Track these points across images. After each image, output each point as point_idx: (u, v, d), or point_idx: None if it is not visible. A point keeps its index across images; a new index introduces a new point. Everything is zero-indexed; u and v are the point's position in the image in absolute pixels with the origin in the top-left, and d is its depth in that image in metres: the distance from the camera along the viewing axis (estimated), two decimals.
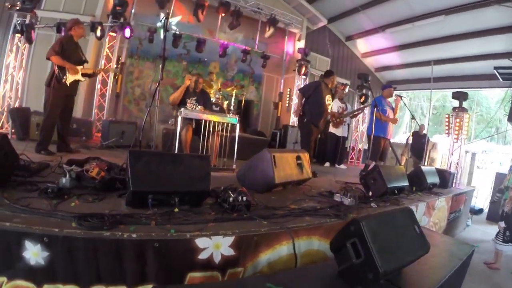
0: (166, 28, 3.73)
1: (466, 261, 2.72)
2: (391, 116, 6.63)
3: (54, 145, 5.16)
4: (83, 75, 4.70)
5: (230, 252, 2.06)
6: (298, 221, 2.53)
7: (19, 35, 6.46)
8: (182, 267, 1.94)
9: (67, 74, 4.46)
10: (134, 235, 1.84)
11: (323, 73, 9.32)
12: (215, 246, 2.00)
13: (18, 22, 6.33)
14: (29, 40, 6.52)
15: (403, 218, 2.34)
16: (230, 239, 2.05)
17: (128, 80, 9.09)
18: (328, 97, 5.79)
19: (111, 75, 7.63)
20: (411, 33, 10.25)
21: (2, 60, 6.83)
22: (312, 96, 5.62)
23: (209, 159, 2.64)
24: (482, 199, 9.32)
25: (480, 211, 8.93)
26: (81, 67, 4.67)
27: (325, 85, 5.75)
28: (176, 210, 2.26)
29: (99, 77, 7.55)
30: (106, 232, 1.82)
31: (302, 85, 9.84)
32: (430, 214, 4.72)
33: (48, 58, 4.44)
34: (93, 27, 7.11)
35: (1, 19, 7.58)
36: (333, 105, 7.33)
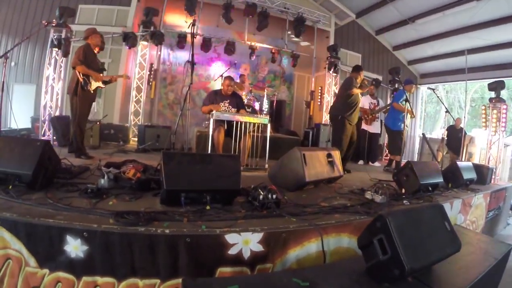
0: (193, 34, 3.84)
1: (502, 261, 2.59)
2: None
3: (92, 150, 5.48)
4: (103, 82, 4.89)
5: (259, 248, 2.11)
6: (327, 218, 2.54)
7: (56, 49, 6.87)
8: (212, 261, 2.02)
9: (90, 81, 4.64)
10: (167, 231, 1.95)
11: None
12: (244, 242, 2.06)
13: (55, 37, 6.74)
14: (66, 53, 6.91)
15: (432, 214, 2.26)
16: (259, 235, 2.10)
17: (162, 85, 9.41)
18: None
19: (145, 81, 7.92)
20: (442, 23, 9.75)
21: (42, 72, 7.31)
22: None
23: (238, 158, 2.71)
24: None
25: None
26: (102, 74, 4.86)
27: (355, 80, 5.68)
28: (208, 208, 2.35)
29: (133, 85, 7.90)
30: (141, 228, 1.94)
31: (334, 82, 9.81)
32: (467, 212, 4.49)
33: (73, 67, 4.62)
34: (125, 37, 7.44)
35: (39, 35, 8.13)
36: (363, 101, 7.20)
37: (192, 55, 3.88)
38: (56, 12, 6.76)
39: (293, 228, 2.24)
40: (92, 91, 4.72)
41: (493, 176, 6.31)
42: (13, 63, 8.73)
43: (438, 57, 11.57)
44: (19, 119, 8.23)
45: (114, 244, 1.90)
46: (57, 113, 6.98)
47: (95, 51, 4.88)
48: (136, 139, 7.20)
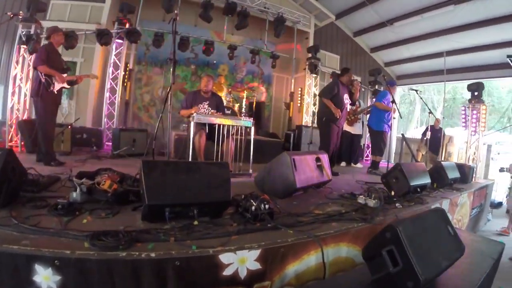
0: (174, 30, 3.57)
1: (497, 260, 2.63)
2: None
3: (63, 156, 5.12)
4: (67, 82, 4.62)
5: (256, 266, 1.90)
6: (325, 228, 2.36)
7: (24, 46, 6.36)
8: (205, 285, 1.79)
9: (54, 82, 4.39)
10: (152, 254, 1.69)
11: (335, 71, 9.18)
12: (240, 261, 1.85)
13: (23, 33, 6.22)
14: (34, 51, 6.27)
15: (436, 219, 2.22)
16: (256, 253, 1.89)
17: (137, 87, 9.03)
18: (346, 96, 5.61)
19: (119, 82, 7.53)
20: (420, 25, 9.95)
21: (9, 71, 6.79)
22: (333, 96, 5.52)
23: (227, 166, 2.47)
24: (501, 192, 8.97)
25: (500, 204, 8.67)
26: (66, 74, 4.60)
27: (341, 83, 5.60)
28: (196, 223, 2.11)
29: (107, 85, 7.49)
30: (122, 252, 1.67)
31: (313, 84, 9.73)
32: (454, 211, 4.56)
33: (35, 68, 4.40)
34: (98, 35, 7.02)
35: (7, 30, 7.60)
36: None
37: (174, 52, 3.60)
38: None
39: (291, 241, 2.04)
40: (55, 92, 4.43)
41: (474, 175, 6.42)
42: None
43: (414, 59, 11.81)
44: None
45: (92, 272, 1.62)
46: (26, 117, 6.50)
47: (58, 50, 4.65)
48: (110, 143, 6.82)
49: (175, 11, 3.57)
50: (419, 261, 1.68)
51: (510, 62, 8.24)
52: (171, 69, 3.58)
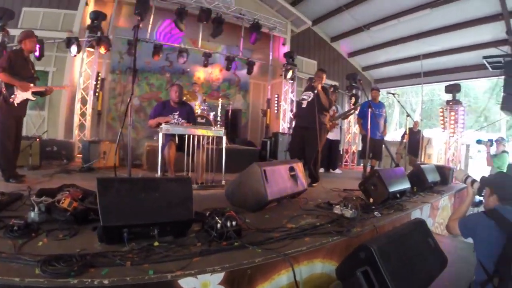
0: (136, 38, 3.44)
1: None
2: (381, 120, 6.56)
3: (31, 171, 4.90)
4: (34, 93, 4.19)
5: None
6: (297, 244, 2.24)
7: None
8: None
9: (15, 92, 3.97)
10: (105, 281, 1.57)
11: (311, 77, 9.13)
12: (203, 285, 1.73)
13: None
14: None
15: (416, 232, 2.16)
16: (219, 276, 1.77)
17: (111, 96, 8.76)
18: (305, 94, 5.29)
19: (90, 92, 7.29)
20: (397, 29, 10.10)
21: None
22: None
23: (189, 181, 2.33)
24: None
25: (480, 202, 8.65)
26: (32, 84, 4.17)
27: (309, 87, 5.50)
28: (156, 244, 1.98)
29: (77, 96, 7.23)
30: (74, 279, 1.55)
31: (290, 90, 9.71)
32: (435, 215, 4.53)
33: None
34: (68, 43, 6.81)
35: None
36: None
37: (134, 60, 3.42)
38: None
39: (259, 262, 1.92)
40: (16, 105, 4.01)
41: (453, 176, 6.45)
42: None
43: (392, 63, 11.99)
44: None
45: None
46: None
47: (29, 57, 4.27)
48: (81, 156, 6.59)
49: (138, 18, 3.42)
50: (397, 281, 1.60)
51: (486, 63, 8.35)
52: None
